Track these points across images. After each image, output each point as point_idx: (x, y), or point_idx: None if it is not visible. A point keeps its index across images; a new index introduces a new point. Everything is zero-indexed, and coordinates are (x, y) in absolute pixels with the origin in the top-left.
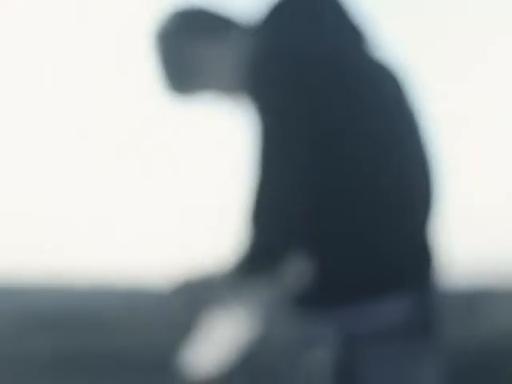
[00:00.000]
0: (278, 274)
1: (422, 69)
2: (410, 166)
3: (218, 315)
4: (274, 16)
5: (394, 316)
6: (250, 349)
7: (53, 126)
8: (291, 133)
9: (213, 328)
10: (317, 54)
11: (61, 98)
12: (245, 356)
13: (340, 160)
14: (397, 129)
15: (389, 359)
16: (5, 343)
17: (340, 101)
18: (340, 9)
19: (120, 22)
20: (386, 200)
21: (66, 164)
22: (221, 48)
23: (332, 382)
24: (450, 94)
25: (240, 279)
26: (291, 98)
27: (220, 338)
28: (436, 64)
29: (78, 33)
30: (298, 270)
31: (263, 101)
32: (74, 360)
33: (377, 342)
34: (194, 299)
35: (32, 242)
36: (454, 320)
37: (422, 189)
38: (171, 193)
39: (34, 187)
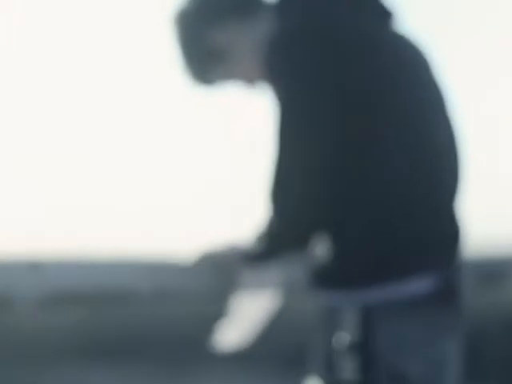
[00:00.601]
0: (301, 252)
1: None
2: (438, 141)
3: (241, 290)
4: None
5: (418, 290)
6: (272, 322)
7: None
8: (317, 113)
9: (238, 302)
10: (344, 30)
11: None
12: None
13: (366, 134)
14: (424, 106)
15: (411, 330)
16: (30, 318)
17: (366, 77)
18: None
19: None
20: (413, 177)
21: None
22: (247, 31)
23: (353, 356)
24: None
25: (263, 255)
26: (317, 78)
27: (245, 311)
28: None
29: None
30: (321, 250)
31: (287, 81)
32: (99, 334)
33: (399, 313)
34: (217, 272)
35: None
36: (478, 291)
37: (450, 164)
38: (196, 170)
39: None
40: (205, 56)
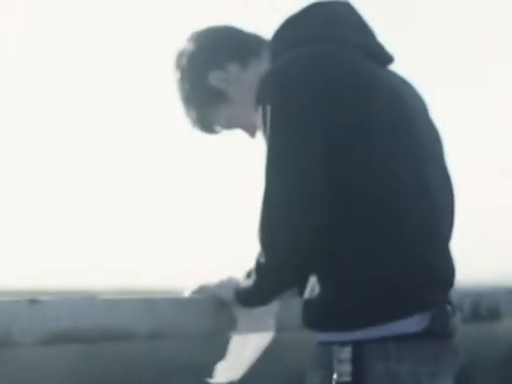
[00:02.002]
0: (291, 288)
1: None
2: (432, 183)
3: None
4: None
5: (411, 329)
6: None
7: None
8: (306, 141)
9: (235, 341)
10: (339, 65)
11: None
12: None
13: (358, 175)
14: (420, 143)
15: (403, 369)
16: (29, 354)
17: (359, 114)
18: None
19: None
20: (407, 219)
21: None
22: (248, 73)
23: None
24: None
25: (251, 288)
26: (306, 108)
27: (240, 349)
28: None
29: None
30: (311, 288)
31: (274, 109)
32: (98, 371)
33: (390, 352)
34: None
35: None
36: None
37: (445, 205)
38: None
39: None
40: (205, 96)
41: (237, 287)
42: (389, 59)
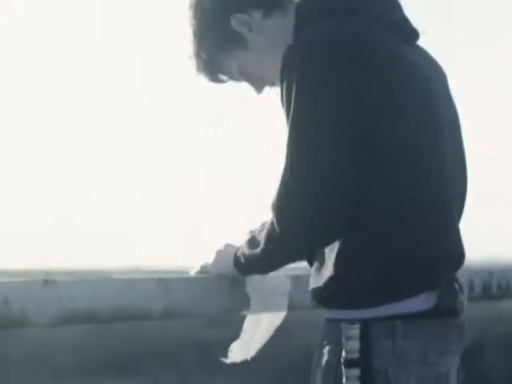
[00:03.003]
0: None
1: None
2: (446, 165)
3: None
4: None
5: (418, 308)
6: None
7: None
8: (329, 119)
9: (249, 320)
10: (367, 41)
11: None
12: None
13: (375, 151)
14: (440, 123)
15: (410, 346)
16: (43, 335)
17: (383, 93)
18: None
19: None
20: (418, 198)
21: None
22: (271, 26)
23: (352, 370)
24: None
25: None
26: (332, 84)
27: (252, 327)
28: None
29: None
30: (320, 264)
31: (300, 83)
32: (110, 351)
33: (398, 330)
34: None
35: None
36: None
37: (458, 184)
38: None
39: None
40: (223, 38)
41: (236, 257)
42: (416, 35)
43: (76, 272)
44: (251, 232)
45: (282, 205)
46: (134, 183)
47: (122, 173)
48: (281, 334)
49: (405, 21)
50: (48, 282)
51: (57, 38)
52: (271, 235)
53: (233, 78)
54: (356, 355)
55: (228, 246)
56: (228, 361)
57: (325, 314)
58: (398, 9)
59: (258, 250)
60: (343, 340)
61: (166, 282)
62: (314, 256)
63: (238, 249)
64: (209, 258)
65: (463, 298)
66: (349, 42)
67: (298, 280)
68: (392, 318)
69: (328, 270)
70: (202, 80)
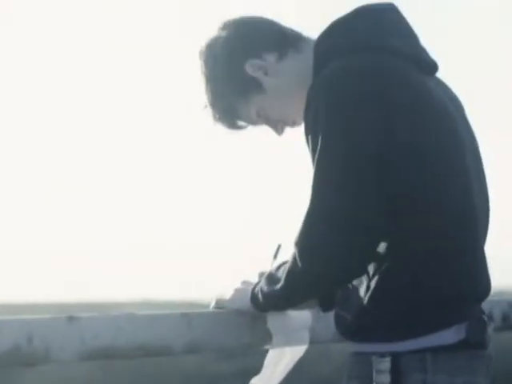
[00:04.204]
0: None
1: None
2: (476, 195)
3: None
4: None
5: (448, 340)
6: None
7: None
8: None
9: (270, 355)
10: (394, 76)
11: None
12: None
13: (408, 189)
14: (466, 159)
15: (440, 379)
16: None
17: (412, 132)
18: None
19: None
20: (453, 231)
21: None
22: (285, 66)
23: None
24: None
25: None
26: (362, 120)
27: (273, 362)
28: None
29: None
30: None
31: (324, 123)
32: None
33: (428, 363)
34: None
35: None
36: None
37: (483, 216)
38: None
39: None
40: (239, 85)
41: (254, 294)
42: (435, 67)
43: (95, 304)
44: (261, 274)
45: (306, 242)
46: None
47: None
48: (297, 366)
49: (424, 53)
50: (72, 318)
51: (56, 38)
52: (293, 271)
53: (252, 122)
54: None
55: (245, 282)
56: None
57: (351, 347)
58: (416, 41)
59: (278, 286)
60: (374, 373)
61: (188, 318)
62: (328, 295)
63: (255, 286)
64: (225, 293)
65: (491, 329)
66: (375, 74)
67: (319, 313)
68: (422, 351)
69: (356, 304)
70: (220, 128)
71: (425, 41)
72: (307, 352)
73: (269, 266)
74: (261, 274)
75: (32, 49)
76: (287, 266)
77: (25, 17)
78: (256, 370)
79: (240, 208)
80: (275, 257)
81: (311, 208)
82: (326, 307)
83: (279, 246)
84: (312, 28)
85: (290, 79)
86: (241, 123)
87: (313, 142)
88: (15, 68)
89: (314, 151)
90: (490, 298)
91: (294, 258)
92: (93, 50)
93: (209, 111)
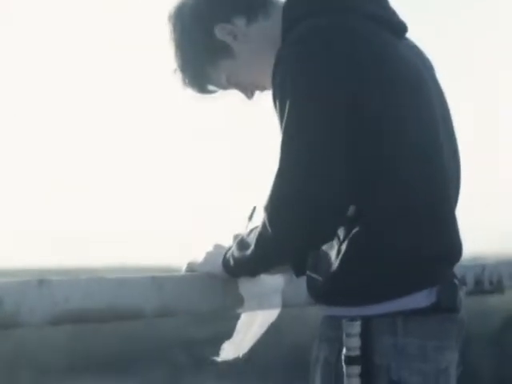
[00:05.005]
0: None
1: None
2: (445, 151)
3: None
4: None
5: (419, 304)
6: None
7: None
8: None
9: (242, 318)
10: (361, 37)
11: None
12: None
13: (375, 150)
14: (435, 124)
15: (410, 342)
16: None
17: (379, 92)
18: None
19: None
20: (420, 191)
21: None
22: (255, 31)
23: (353, 367)
24: None
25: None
26: (331, 82)
27: (245, 325)
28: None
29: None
30: (315, 262)
31: (292, 88)
32: (101, 350)
33: (399, 326)
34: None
35: None
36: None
37: (454, 176)
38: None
39: None
40: (209, 49)
41: (226, 259)
42: (404, 29)
43: (67, 271)
44: (236, 236)
45: (275, 206)
46: (126, 181)
47: (118, 170)
48: (270, 331)
49: (392, 14)
50: (43, 282)
51: (56, 38)
52: (263, 237)
53: (222, 87)
54: (357, 352)
55: (217, 246)
56: (220, 359)
57: (322, 311)
58: (386, 3)
59: (249, 251)
60: (344, 337)
61: (159, 281)
62: (300, 260)
63: (227, 251)
64: (197, 256)
65: (462, 293)
66: (343, 35)
67: (291, 277)
68: (393, 314)
69: (327, 268)
70: (190, 93)
71: (395, 5)
72: (282, 315)
73: (244, 229)
74: (235, 237)
75: (31, 48)
76: (257, 230)
77: (24, 16)
78: (230, 335)
79: (214, 172)
80: (250, 219)
81: (279, 173)
82: (298, 272)
83: (254, 208)
84: None
85: (259, 43)
86: (211, 88)
87: (280, 105)
88: (13, 67)
89: (281, 115)
90: (462, 262)
91: (264, 223)
92: (91, 49)
93: (178, 76)
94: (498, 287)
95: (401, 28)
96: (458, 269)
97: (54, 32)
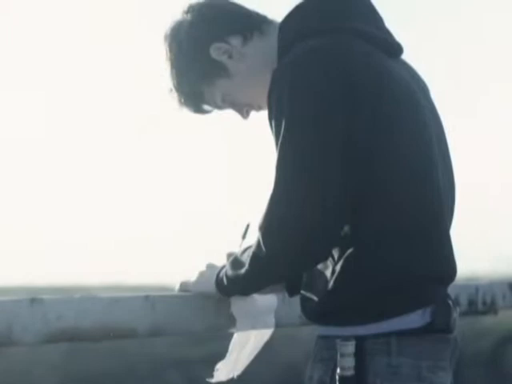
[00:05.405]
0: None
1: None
2: (440, 172)
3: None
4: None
5: (412, 324)
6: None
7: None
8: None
9: (235, 338)
10: (356, 60)
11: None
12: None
13: (370, 172)
14: (429, 137)
15: (403, 363)
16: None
17: (375, 116)
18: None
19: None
20: (418, 211)
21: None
22: (250, 50)
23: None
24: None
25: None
26: (328, 103)
27: (239, 344)
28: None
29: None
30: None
31: (288, 110)
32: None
33: (392, 346)
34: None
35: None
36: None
37: (448, 197)
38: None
39: None
40: (204, 69)
41: (219, 278)
42: (399, 49)
43: (60, 288)
44: (229, 255)
45: (270, 226)
46: (119, 199)
47: (110, 187)
48: (264, 350)
49: (388, 35)
50: (35, 300)
51: (55, 37)
52: (257, 257)
53: (217, 107)
54: (351, 372)
55: (210, 266)
56: (214, 380)
57: (316, 330)
58: (381, 23)
59: (242, 271)
60: (338, 357)
61: (151, 300)
62: (294, 280)
63: (220, 270)
64: (190, 276)
65: (456, 314)
66: (338, 56)
67: (284, 297)
68: (387, 334)
69: (321, 287)
70: (185, 113)
71: (390, 24)
72: (275, 334)
73: (237, 247)
74: (229, 255)
75: (30, 47)
76: (251, 250)
77: (23, 15)
78: (223, 354)
79: (207, 192)
80: (244, 237)
81: (274, 193)
82: (292, 291)
83: (248, 226)
84: (277, 13)
85: (255, 63)
86: (206, 107)
87: (276, 126)
88: (11, 66)
89: (277, 136)
90: (456, 282)
91: (258, 243)
92: (89, 49)
93: (174, 95)
94: (491, 308)
95: (396, 49)
96: (451, 289)
97: (53, 31)
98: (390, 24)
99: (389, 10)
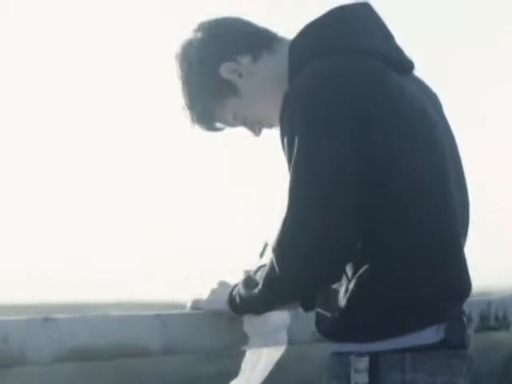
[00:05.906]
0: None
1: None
2: (454, 190)
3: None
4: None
5: (427, 340)
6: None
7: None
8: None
9: (247, 357)
10: (370, 80)
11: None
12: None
13: (383, 193)
14: (442, 155)
15: (418, 379)
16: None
17: (387, 137)
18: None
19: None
20: (430, 228)
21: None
22: (260, 69)
23: None
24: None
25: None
26: (339, 125)
27: (251, 364)
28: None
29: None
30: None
31: (301, 133)
32: None
33: (406, 362)
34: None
35: None
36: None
37: (463, 212)
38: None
39: None
40: (215, 88)
41: (232, 296)
42: (411, 66)
43: (71, 306)
44: (246, 272)
45: (284, 247)
46: (130, 214)
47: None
48: (276, 368)
49: (399, 52)
50: (48, 319)
51: (55, 37)
52: (271, 277)
53: (229, 125)
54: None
55: (222, 283)
56: None
57: (330, 347)
58: (392, 40)
59: (256, 290)
60: (352, 373)
61: (163, 318)
62: (310, 298)
63: (233, 288)
64: (202, 293)
65: (471, 330)
66: (348, 75)
67: (297, 314)
68: (401, 350)
69: (336, 304)
70: (198, 130)
71: (401, 40)
72: (288, 352)
73: (254, 266)
74: (246, 272)
75: (29, 46)
76: (265, 270)
77: (23, 15)
78: (235, 372)
79: (220, 209)
80: (262, 255)
81: (288, 214)
82: (307, 307)
83: (266, 245)
84: (288, 30)
85: (265, 81)
86: (218, 125)
87: (289, 148)
88: (11, 67)
89: (289, 157)
90: (468, 298)
91: (272, 264)
92: (89, 49)
93: (186, 113)
94: (503, 323)
95: (407, 65)
96: (463, 305)
97: (53, 31)
98: (396, 34)
99: (396, 21)
